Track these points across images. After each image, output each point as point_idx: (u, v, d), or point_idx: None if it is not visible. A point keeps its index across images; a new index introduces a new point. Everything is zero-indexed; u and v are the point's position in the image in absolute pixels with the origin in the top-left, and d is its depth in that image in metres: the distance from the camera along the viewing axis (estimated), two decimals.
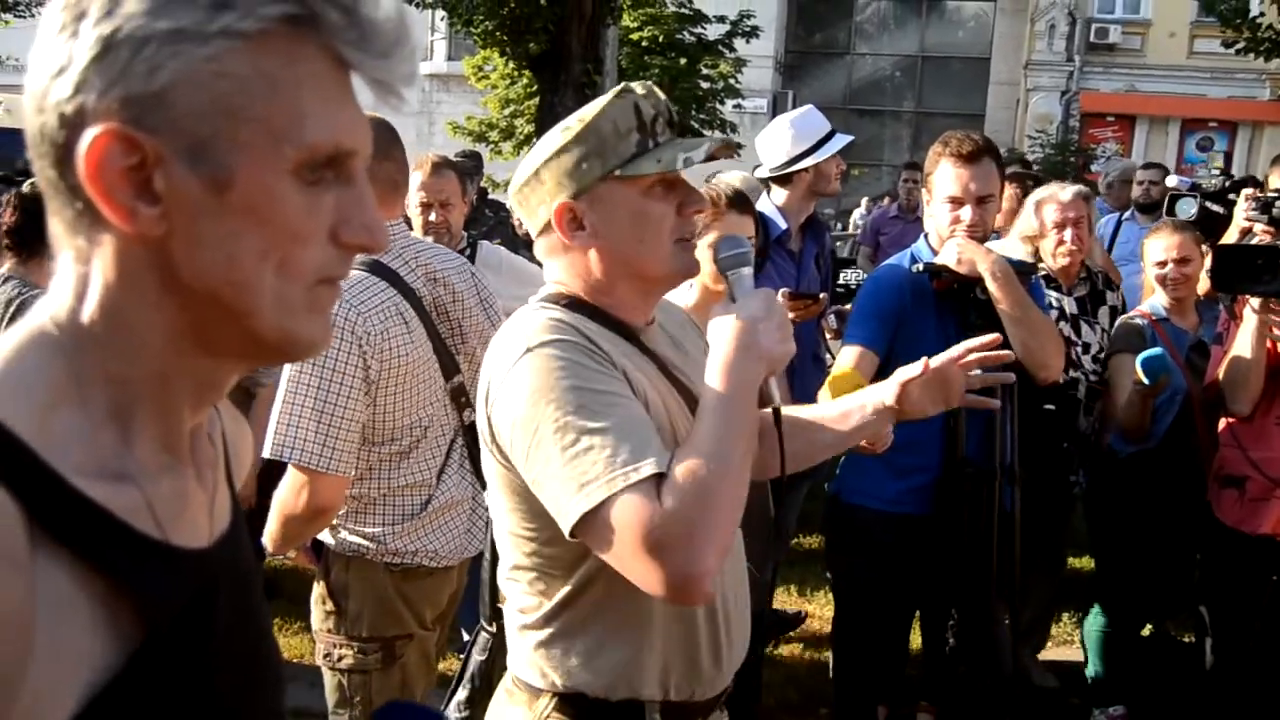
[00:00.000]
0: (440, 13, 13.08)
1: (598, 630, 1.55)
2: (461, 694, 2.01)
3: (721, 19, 15.82)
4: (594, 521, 1.37)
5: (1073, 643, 4.48)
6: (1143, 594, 3.79)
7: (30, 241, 3.23)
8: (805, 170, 3.68)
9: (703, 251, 1.75)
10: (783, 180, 3.75)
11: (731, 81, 16.56)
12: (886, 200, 11.25)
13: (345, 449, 2.25)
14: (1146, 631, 4.01)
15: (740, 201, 2.76)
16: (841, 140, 3.72)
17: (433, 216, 3.61)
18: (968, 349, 1.83)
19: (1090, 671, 3.97)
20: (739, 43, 16.02)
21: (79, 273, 0.79)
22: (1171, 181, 4.33)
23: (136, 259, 0.77)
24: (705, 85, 16.18)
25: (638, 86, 1.58)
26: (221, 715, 0.83)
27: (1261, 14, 13.54)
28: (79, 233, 0.78)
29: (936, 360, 1.81)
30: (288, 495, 2.27)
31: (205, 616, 0.82)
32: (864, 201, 16.02)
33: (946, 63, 24.52)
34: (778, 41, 23.19)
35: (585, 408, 1.40)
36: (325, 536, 2.43)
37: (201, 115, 0.73)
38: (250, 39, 0.74)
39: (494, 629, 2.03)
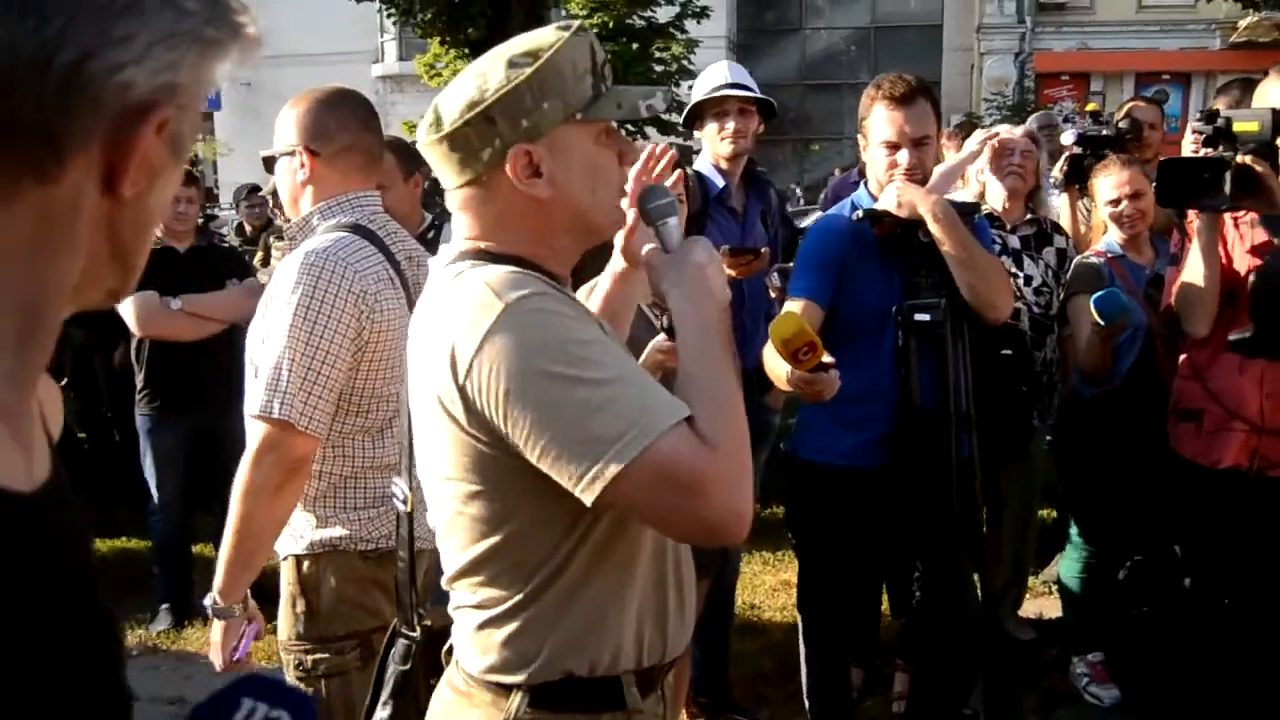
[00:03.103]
0: (389, 15, 12.98)
1: (579, 609, 1.46)
2: (383, 713, 1.89)
3: (671, 1, 15.74)
4: (631, 475, 1.28)
5: (1049, 594, 4.44)
6: (1116, 536, 3.74)
7: None
8: (710, 120, 3.60)
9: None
10: (698, 129, 3.69)
11: (685, 64, 16.48)
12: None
13: (324, 410, 2.16)
14: (1122, 575, 3.96)
15: None
16: (726, 84, 3.61)
17: None
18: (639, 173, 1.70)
19: (1067, 619, 3.93)
20: (690, 24, 15.97)
21: None
22: (1067, 139, 4.33)
23: (87, 212, 0.79)
24: (659, 69, 16.10)
25: (584, 26, 1.49)
26: (56, 660, 0.77)
27: None
28: (6, 174, 0.75)
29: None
30: (256, 454, 2.13)
31: (33, 561, 0.76)
32: (835, 172, 16.00)
33: (900, 32, 24.51)
34: (729, 21, 23.12)
35: (590, 360, 1.32)
36: (294, 542, 2.34)
37: (193, 106, 0.81)
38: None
39: (415, 634, 1.92)
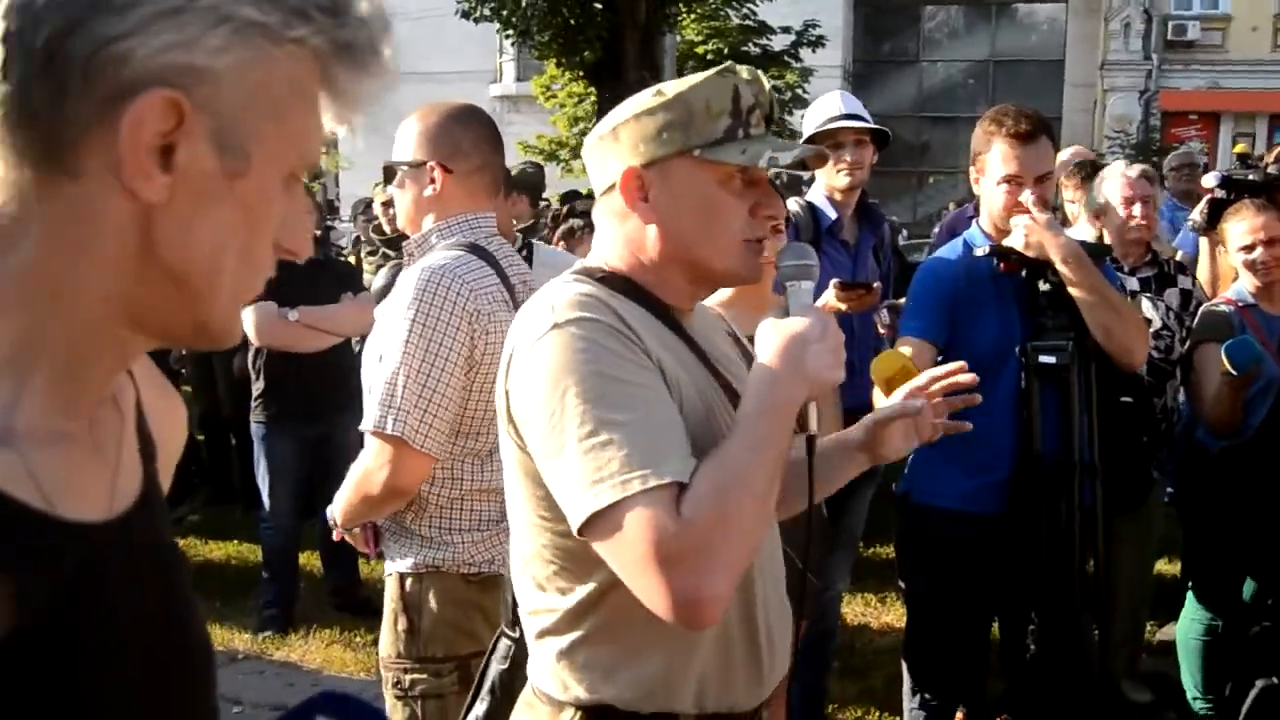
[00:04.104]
0: (508, 36, 13.22)
1: (627, 636, 1.43)
2: (480, 708, 1.89)
3: (786, 29, 15.72)
4: (603, 524, 1.27)
5: (1167, 652, 4.25)
6: (1240, 598, 3.57)
7: None
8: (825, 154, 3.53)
9: None
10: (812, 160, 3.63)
11: (799, 92, 16.43)
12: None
13: (440, 429, 2.16)
14: (1248, 637, 3.77)
15: None
16: (841, 115, 3.55)
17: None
18: (933, 379, 1.71)
19: (1187, 683, 3.75)
20: (805, 53, 15.92)
21: (10, 212, 0.73)
22: (1209, 182, 4.10)
23: (112, 218, 0.72)
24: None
25: (743, 70, 1.48)
26: (118, 698, 0.76)
27: None
28: (36, 167, 0.71)
29: (905, 402, 1.68)
30: (370, 467, 2.18)
31: (94, 591, 0.75)
32: (950, 205, 15.77)
33: (1019, 66, 24.06)
34: (845, 51, 22.98)
35: (608, 397, 1.30)
36: (401, 560, 2.36)
37: (244, 104, 0.74)
38: (304, 51, 0.76)
39: (516, 634, 1.92)
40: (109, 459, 0.82)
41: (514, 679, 1.85)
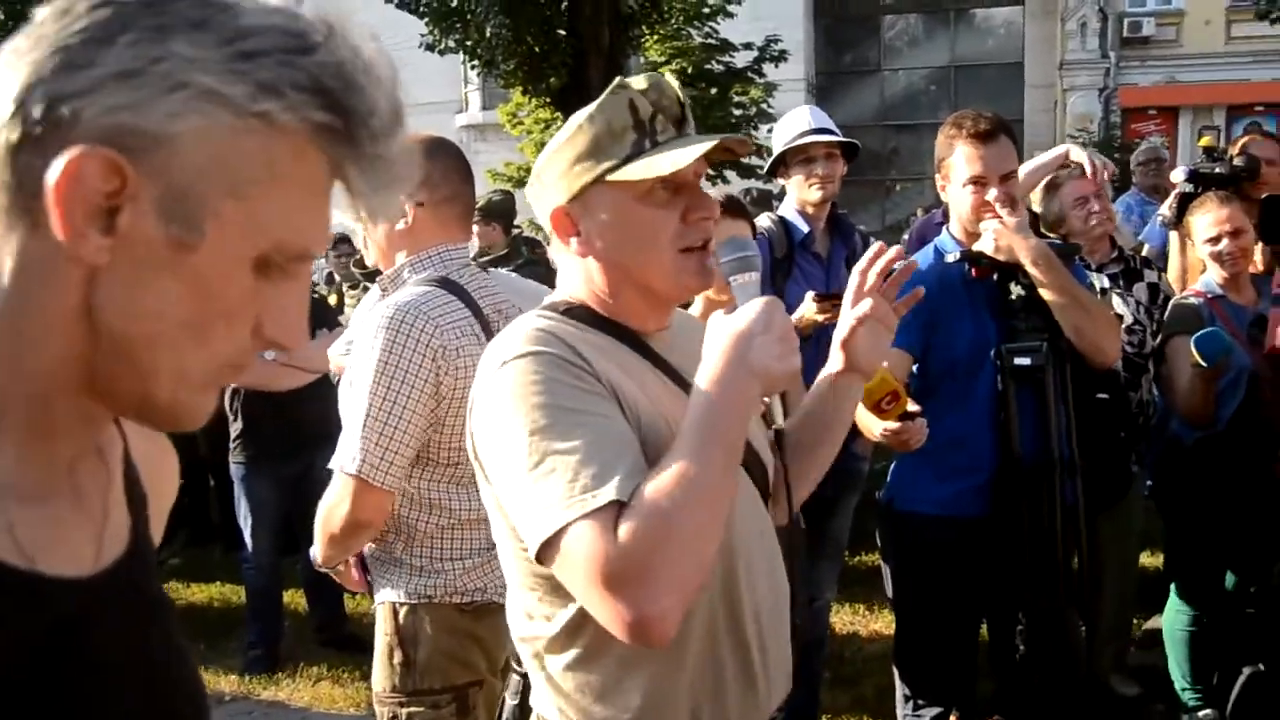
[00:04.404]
0: (473, 66, 13.23)
1: (612, 659, 1.42)
2: None
3: (749, 45, 15.81)
4: (553, 549, 1.26)
5: (1154, 645, 4.27)
6: (1223, 586, 3.59)
7: None
8: (795, 166, 3.55)
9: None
10: (783, 175, 3.64)
11: (764, 107, 16.51)
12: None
13: (399, 464, 2.18)
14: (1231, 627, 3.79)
15: (734, 206, 2.68)
16: (810, 130, 3.56)
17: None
18: (862, 273, 1.62)
19: (1174, 674, 3.77)
20: (768, 68, 16.00)
21: None
22: (1178, 177, 4.13)
23: (61, 275, 0.71)
24: (738, 113, 16.15)
25: (638, 80, 1.47)
26: None
27: None
28: (8, 224, 0.72)
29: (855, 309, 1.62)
30: (331, 504, 2.21)
31: (77, 646, 0.74)
32: (918, 212, 15.86)
33: (979, 70, 24.27)
34: (807, 64, 23.13)
35: (553, 427, 1.30)
36: (392, 590, 2.35)
37: (198, 175, 0.71)
38: (276, 128, 0.73)
39: (524, 669, 1.92)
40: (93, 513, 0.81)
41: (525, 714, 1.85)
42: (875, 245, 1.68)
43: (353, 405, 2.19)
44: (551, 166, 1.48)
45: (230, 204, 0.73)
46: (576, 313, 1.51)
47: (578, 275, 1.53)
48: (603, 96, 1.46)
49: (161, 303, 0.73)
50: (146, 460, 0.91)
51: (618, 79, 1.49)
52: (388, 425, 2.16)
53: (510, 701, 1.89)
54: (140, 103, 0.69)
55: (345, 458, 2.17)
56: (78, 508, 0.80)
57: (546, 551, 1.27)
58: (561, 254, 1.54)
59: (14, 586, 0.71)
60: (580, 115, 1.46)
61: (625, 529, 1.22)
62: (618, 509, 1.24)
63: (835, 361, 1.66)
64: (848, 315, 1.63)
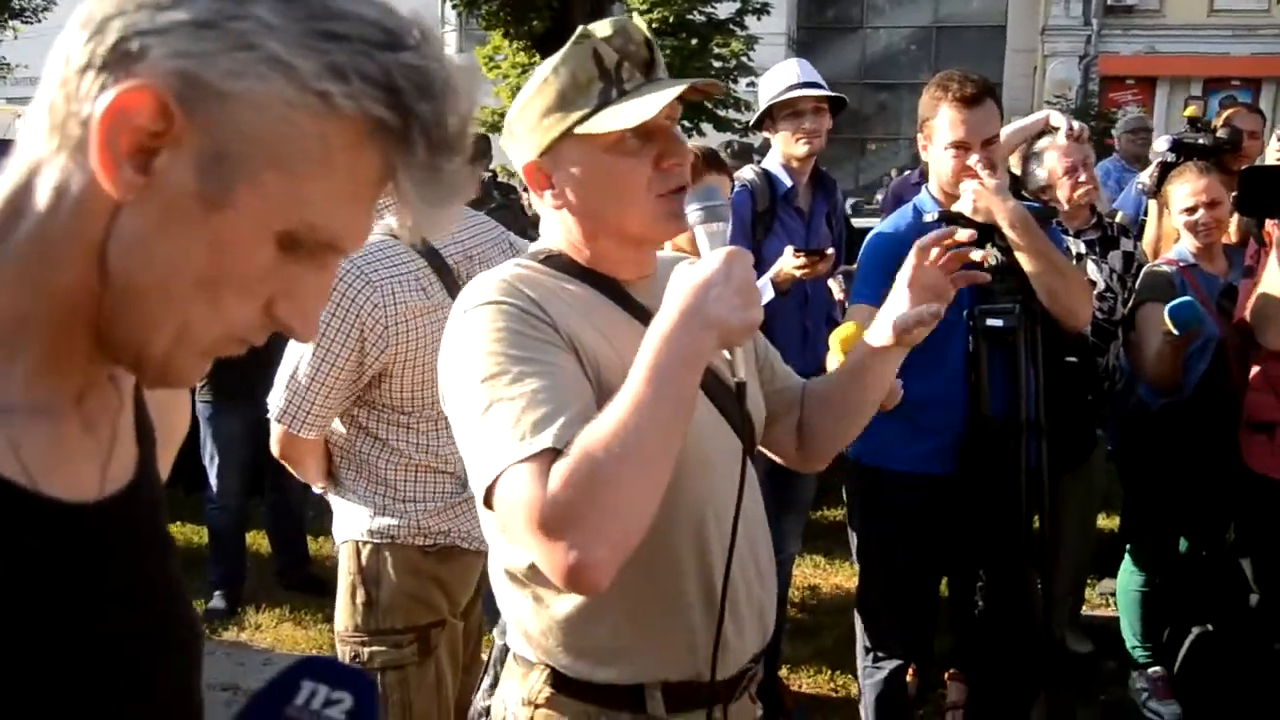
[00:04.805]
0: (454, 5, 13.04)
1: (576, 603, 1.44)
2: (487, 680, 1.92)
3: None
4: (494, 495, 1.27)
5: (1107, 604, 4.36)
6: (1177, 550, 3.66)
7: None
8: (782, 120, 3.52)
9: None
10: (769, 130, 3.61)
11: (744, 60, 16.43)
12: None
13: (319, 416, 2.29)
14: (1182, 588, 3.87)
15: (712, 159, 2.66)
16: (799, 83, 3.53)
17: None
18: (926, 247, 1.66)
19: (1126, 632, 3.85)
20: (750, 20, 15.91)
21: (25, 183, 0.73)
22: (1160, 146, 4.16)
23: (90, 205, 0.71)
24: (718, 65, 16.06)
25: (602, 27, 1.44)
26: (104, 686, 0.76)
27: None
28: (59, 144, 0.72)
29: (904, 275, 1.68)
30: (271, 447, 2.38)
31: (72, 578, 0.74)
32: (892, 172, 15.86)
33: (961, 32, 24.22)
34: (789, 18, 22.97)
35: (503, 374, 1.30)
36: (354, 528, 2.37)
37: (244, 138, 0.71)
38: (335, 112, 0.72)
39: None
40: (101, 440, 0.81)
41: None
42: (944, 229, 1.70)
43: (296, 349, 2.27)
44: (521, 120, 1.46)
45: (270, 174, 0.72)
46: (555, 261, 1.51)
47: (556, 226, 1.53)
48: (566, 46, 1.44)
49: (178, 254, 0.73)
50: (157, 395, 0.91)
51: (580, 28, 1.46)
52: (313, 381, 2.25)
53: (499, 642, 1.89)
54: (206, 53, 0.69)
55: (273, 402, 2.31)
56: (86, 435, 0.79)
57: (489, 496, 1.28)
58: (539, 206, 1.53)
59: (14, 504, 0.71)
60: (546, 66, 1.44)
61: (556, 476, 1.21)
62: (552, 456, 1.23)
63: (883, 333, 1.67)
64: (902, 291, 1.67)
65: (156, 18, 0.69)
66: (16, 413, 0.73)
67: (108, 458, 0.81)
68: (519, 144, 1.48)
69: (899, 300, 1.67)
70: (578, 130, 1.41)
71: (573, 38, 1.44)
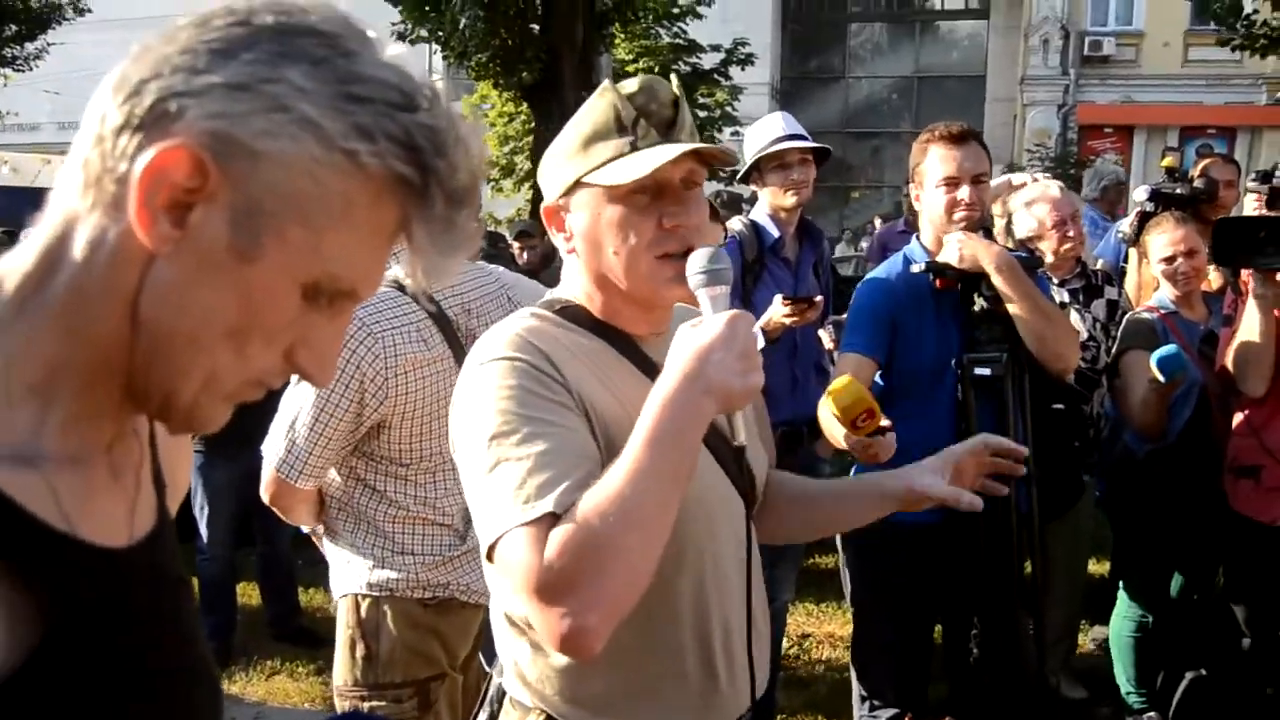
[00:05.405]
0: (436, 54, 13.18)
1: (552, 654, 1.45)
2: (483, 716, 1.93)
3: (716, 48, 15.89)
4: (495, 554, 1.29)
5: (1100, 650, 4.37)
6: (1169, 593, 3.69)
7: None
8: (770, 172, 3.58)
9: None
10: (756, 182, 3.67)
11: (729, 110, 16.60)
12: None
13: (315, 467, 2.29)
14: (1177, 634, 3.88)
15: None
16: (785, 136, 3.60)
17: None
18: (989, 447, 1.72)
19: (1120, 677, 3.86)
20: (734, 71, 16.09)
21: (61, 235, 0.76)
22: (1140, 195, 4.24)
23: (126, 258, 0.75)
24: (703, 114, 16.22)
25: (628, 84, 1.47)
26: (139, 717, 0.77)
27: (1256, 10, 13.52)
28: (95, 199, 0.75)
29: (952, 455, 1.72)
30: (263, 485, 2.37)
31: (114, 620, 0.76)
32: (876, 221, 16.00)
33: (941, 82, 24.58)
34: (773, 69, 23.27)
35: (512, 434, 1.32)
36: (353, 582, 2.37)
37: (274, 194, 0.74)
38: (361, 170, 0.75)
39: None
40: (127, 488, 0.84)
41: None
42: (1012, 447, 1.75)
43: (295, 398, 2.27)
44: (549, 161, 1.51)
45: (297, 228, 0.76)
46: (570, 313, 1.52)
47: (572, 273, 1.55)
48: (592, 97, 1.49)
49: (210, 305, 0.76)
50: (166, 446, 0.94)
51: (604, 83, 1.50)
52: (312, 430, 2.25)
53: (497, 680, 1.90)
54: (240, 114, 0.73)
55: (270, 451, 2.30)
56: (114, 483, 0.82)
57: (492, 555, 1.30)
58: (560, 248, 1.56)
59: (60, 551, 0.73)
60: (579, 112, 1.49)
61: (553, 543, 1.21)
62: (553, 520, 1.24)
63: (896, 487, 1.68)
64: (941, 464, 1.68)
65: (193, 81, 0.73)
66: (53, 460, 0.75)
67: (134, 504, 0.84)
68: (545, 185, 1.53)
69: (934, 470, 1.68)
70: (587, 179, 1.44)
71: (598, 89, 1.49)
